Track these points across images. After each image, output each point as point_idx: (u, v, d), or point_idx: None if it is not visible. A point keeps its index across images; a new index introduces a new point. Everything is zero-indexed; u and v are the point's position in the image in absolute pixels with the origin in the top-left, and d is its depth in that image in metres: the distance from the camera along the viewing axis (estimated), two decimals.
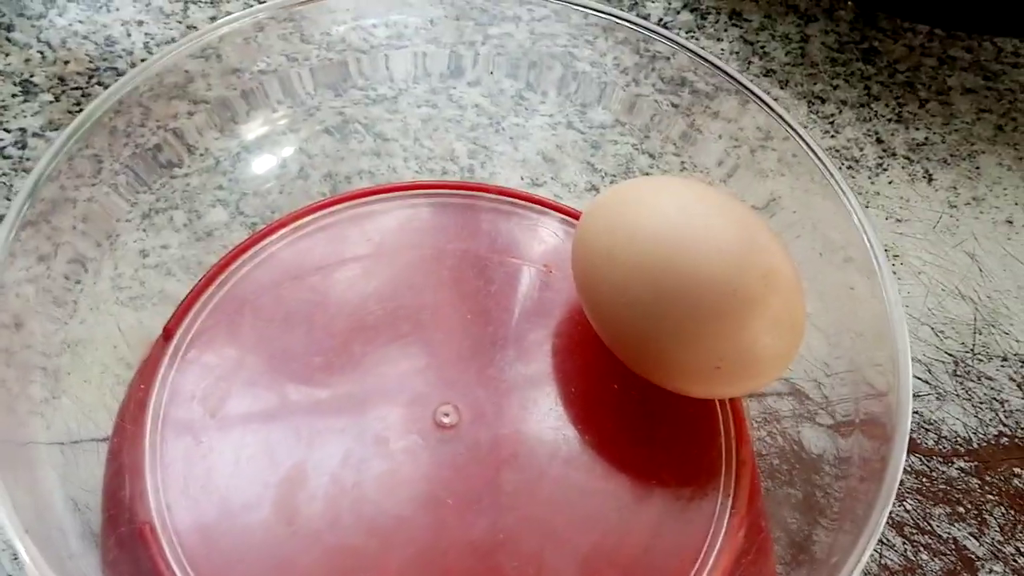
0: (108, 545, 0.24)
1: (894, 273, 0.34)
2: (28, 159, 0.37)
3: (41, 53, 0.40)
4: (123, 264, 0.32)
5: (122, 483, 0.25)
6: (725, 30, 0.45)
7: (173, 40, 0.41)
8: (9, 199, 0.36)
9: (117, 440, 0.26)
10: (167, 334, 0.28)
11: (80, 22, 0.41)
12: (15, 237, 0.27)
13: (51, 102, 0.39)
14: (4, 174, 0.36)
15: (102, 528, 0.25)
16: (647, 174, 0.38)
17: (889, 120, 0.43)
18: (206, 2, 0.42)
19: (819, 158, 0.30)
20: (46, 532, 0.21)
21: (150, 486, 0.25)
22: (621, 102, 0.37)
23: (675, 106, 0.36)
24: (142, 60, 0.40)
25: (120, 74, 0.39)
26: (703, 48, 0.36)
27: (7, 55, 0.40)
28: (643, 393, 0.28)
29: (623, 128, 0.38)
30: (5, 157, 0.37)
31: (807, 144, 0.31)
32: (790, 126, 0.31)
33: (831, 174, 0.30)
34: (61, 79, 0.39)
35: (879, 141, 0.42)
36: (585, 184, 0.38)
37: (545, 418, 0.27)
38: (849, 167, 0.41)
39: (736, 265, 0.24)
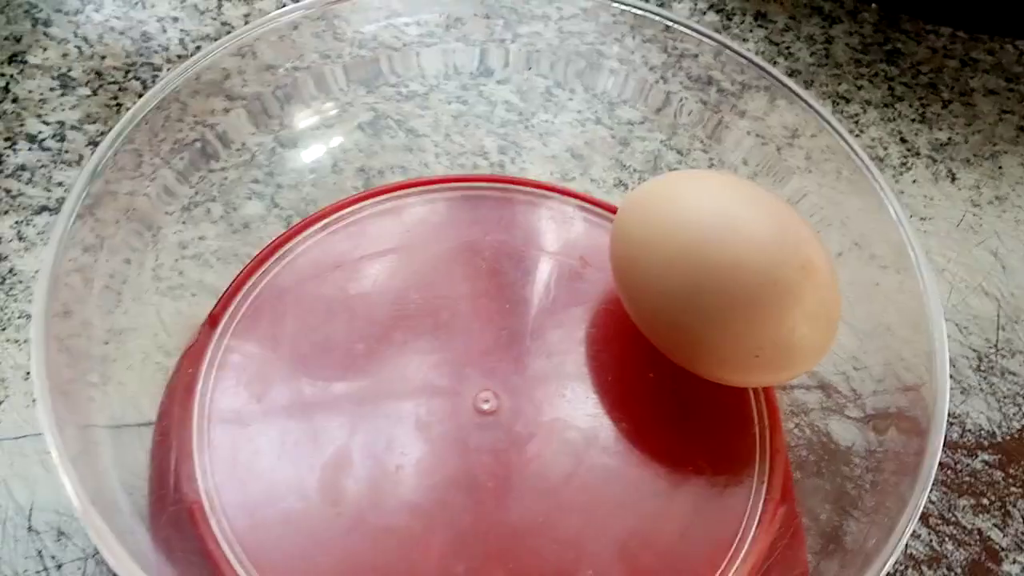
0: (159, 524, 0.25)
1: None
2: (67, 151, 0.38)
3: (78, 48, 0.40)
4: (163, 255, 0.33)
5: (171, 464, 0.26)
6: (751, 31, 0.45)
7: (208, 36, 0.41)
8: (49, 190, 0.36)
9: (165, 423, 0.27)
10: (213, 321, 0.29)
11: (116, 18, 0.41)
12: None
13: (89, 96, 0.39)
14: (44, 166, 0.37)
15: (151, 507, 0.26)
16: (675, 170, 0.39)
17: (913, 120, 0.43)
18: None
19: (854, 150, 0.31)
20: (106, 510, 0.22)
21: (198, 467, 0.26)
22: (649, 99, 0.37)
23: (703, 103, 0.37)
24: (178, 56, 0.41)
25: (156, 69, 0.40)
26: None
27: (45, 49, 0.40)
28: (678, 382, 0.28)
29: (651, 125, 0.39)
30: (44, 149, 0.38)
31: (842, 137, 0.31)
32: (825, 119, 0.32)
33: (867, 166, 0.31)
34: (98, 73, 0.40)
35: (903, 141, 0.42)
36: (614, 180, 0.39)
37: (582, 406, 0.28)
38: None
39: (775, 256, 0.25)
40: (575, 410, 0.28)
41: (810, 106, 0.33)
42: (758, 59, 0.33)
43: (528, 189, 0.33)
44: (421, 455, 0.26)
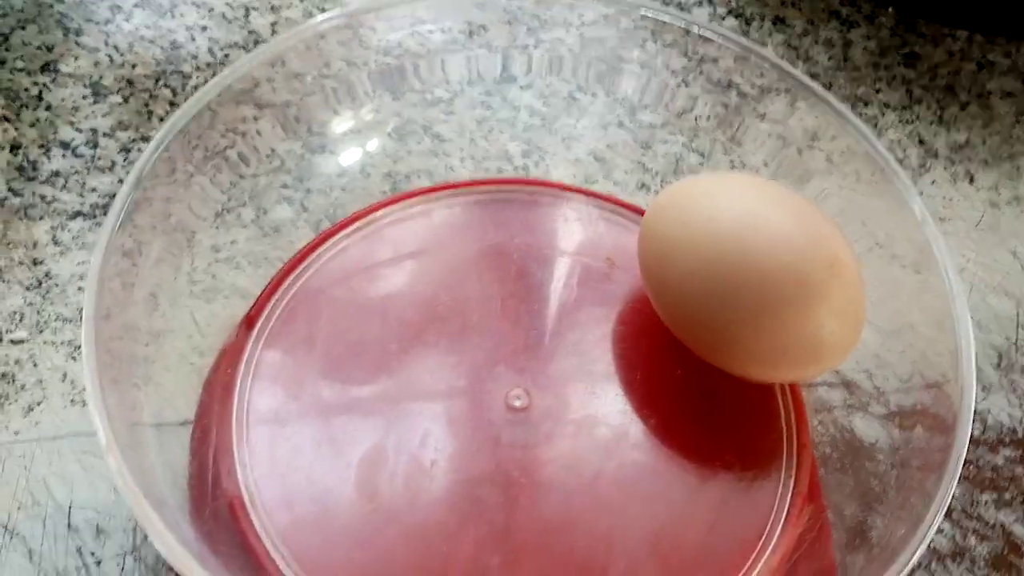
0: (201, 518, 0.25)
1: None
2: (99, 158, 0.38)
3: (109, 57, 0.41)
4: (197, 259, 0.33)
5: (211, 461, 0.26)
6: (769, 35, 0.46)
7: (236, 44, 0.42)
8: (83, 196, 0.37)
9: (205, 421, 0.27)
10: (249, 322, 0.29)
11: (146, 27, 0.42)
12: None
13: (120, 104, 0.40)
14: (77, 172, 0.38)
15: (192, 503, 0.26)
16: (696, 173, 0.39)
17: (931, 122, 0.43)
18: (266, 8, 0.44)
19: (876, 149, 0.31)
20: (155, 505, 0.22)
21: (238, 464, 0.26)
22: (670, 103, 0.38)
23: (724, 107, 0.37)
24: (207, 64, 0.41)
25: (186, 77, 0.41)
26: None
27: (76, 58, 0.41)
28: (705, 378, 0.29)
29: (672, 128, 0.39)
30: (77, 156, 0.38)
31: (864, 136, 0.32)
32: (847, 119, 0.32)
33: (889, 165, 0.31)
34: (129, 81, 0.41)
35: (921, 142, 0.43)
36: (636, 183, 0.39)
37: (612, 403, 0.28)
38: None
39: (802, 254, 0.26)
40: (604, 407, 0.28)
41: (831, 106, 0.33)
42: (780, 61, 0.34)
43: (554, 191, 0.34)
44: (454, 452, 0.27)
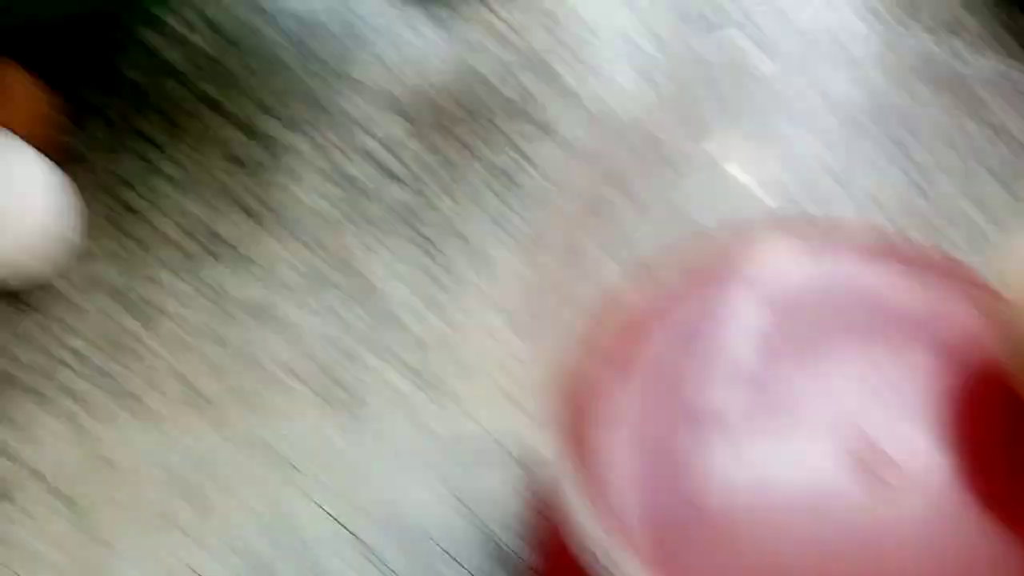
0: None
1: None
2: (397, 167, 0.40)
3: (403, 71, 0.42)
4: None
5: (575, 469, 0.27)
6: None
7: (519, 64, 0.43)
8: (382, 204, 0.38)
9: (564, 435, 0.28)
10: (594, 351, 0.30)
11: (438, 44, 0.43)
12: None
13: (414, 118, 0.41)
14: (376, 180, 0.39)
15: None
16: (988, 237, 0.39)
17: None
18: (538, 26, 0.44)
19: None
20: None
21: (598, 470, 0.27)
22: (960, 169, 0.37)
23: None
24: (494, 82, 0.42)
25: (474, 95, 0.42)
26: None
27: (371, 70, 0.42)
28: None
29: (965, 202, 0.39)
30: (376, 164, 0.40)
31: None
32: None
33: None
34: (423, 96, 0.42)
35: None
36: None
37: (971, 474, 0.28)
38: None
39: None
40: (962, 475, 0.28)
41: None
42: None
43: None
44: (803, 489, 0.28)
